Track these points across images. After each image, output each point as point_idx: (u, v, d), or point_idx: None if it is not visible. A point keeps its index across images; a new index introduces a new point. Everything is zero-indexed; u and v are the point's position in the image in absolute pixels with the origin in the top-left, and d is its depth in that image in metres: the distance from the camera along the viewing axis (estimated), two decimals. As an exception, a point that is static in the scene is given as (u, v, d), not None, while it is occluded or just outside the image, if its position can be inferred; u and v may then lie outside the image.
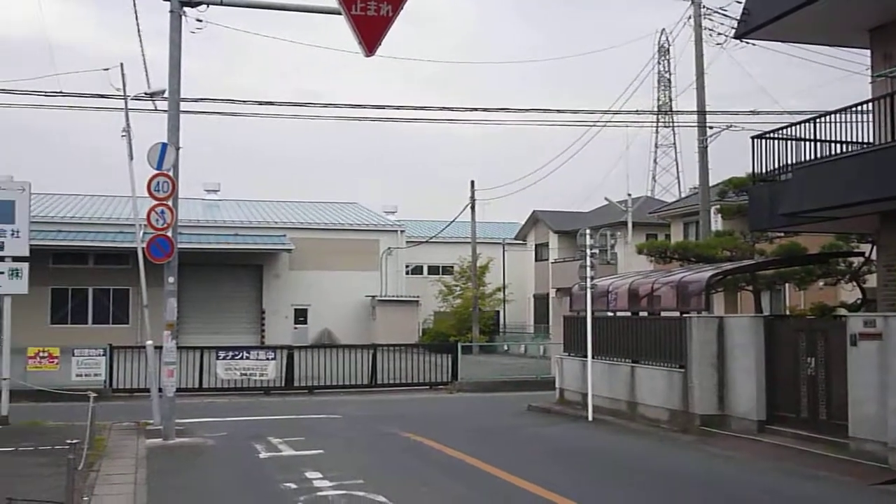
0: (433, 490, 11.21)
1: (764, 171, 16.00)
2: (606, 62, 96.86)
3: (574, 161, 69.04)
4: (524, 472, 11.99)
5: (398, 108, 23.77)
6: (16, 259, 16.98)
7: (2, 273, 16.85)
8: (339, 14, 15.22)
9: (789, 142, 15.60)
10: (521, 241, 51.79)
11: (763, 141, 16.05)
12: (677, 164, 63.13)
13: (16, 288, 17.07)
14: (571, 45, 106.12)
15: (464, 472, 12.38)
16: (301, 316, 48.77)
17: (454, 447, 14.39)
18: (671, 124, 59.87)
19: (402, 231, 52.01)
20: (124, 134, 19.01)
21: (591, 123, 29.40)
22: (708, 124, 25.66)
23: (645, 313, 19.45)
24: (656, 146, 64.17)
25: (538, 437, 16.60)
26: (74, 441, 9.46)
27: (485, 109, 26.36)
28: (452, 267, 52.29)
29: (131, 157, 18.91)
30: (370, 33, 15.22)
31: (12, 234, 16.83)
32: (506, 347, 43.10)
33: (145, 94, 19.31)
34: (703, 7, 25.64)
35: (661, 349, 17.46)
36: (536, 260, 49.45)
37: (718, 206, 25.70)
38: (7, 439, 14.64)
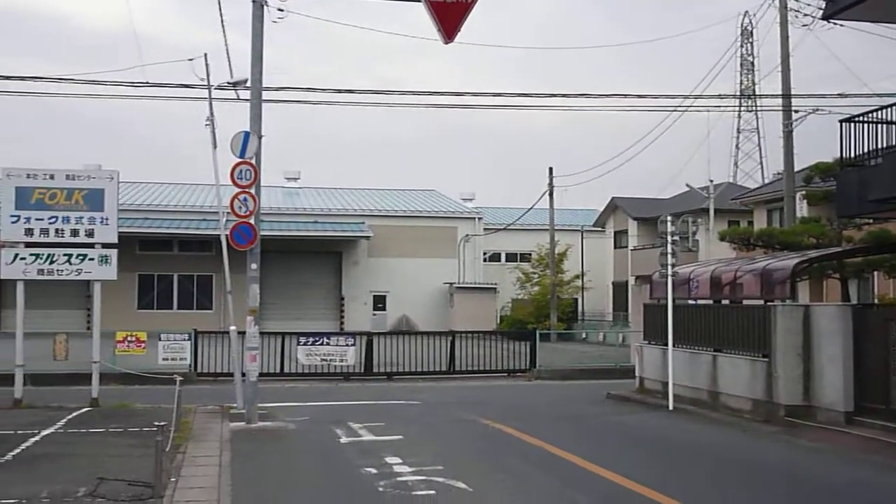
0: (512, 477, 11.20)
1: (853, 155, 15.54)
2: (687, 47, 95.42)
3: (654, 147, 68.20)
4: (604, 460, 11.89)
5: (476, 94, 23.62)
6: (105, 246, 17.49)
7: (92, 259, 17.37)
8: (419, 1, 15.22)
9: (880, 125, 15.13)
10: (599, 228, 51.34)
11: (852, 124, 15.59)
12: (760, 149, 61.90)
13: (105, 274, 17.58)
14: (651, 29, 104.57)
15: (543, 460, 12.34)
16: (380, 302, 49.15)
17: (533, 434, 14.36)
18: (754, 108, 58.65)
19: (479, 218, 52.00)
20: (208, 123, 19.30)
21: (673, 108, 28.97)
22: (793, 108, 25.04)
23: (727, 301, 19.12)
24: (738, 131, 62.96)
25: (618, 425, 16.47)
26: (162, 423, 9.71)
27: (564, 95, 26.15)
28: (530, 254, 52.07)
29: (215, 146, 19.22)
30: (449, 20, 15.16)
31: (101, 222, 17.32)
32: (584, 335, 42.79)
33: (228, 83, 19.56)
34: (789, -12, 24.97)
35: (745, 338, 17.14)
36: (615, 247, 48.98)
37: (804, 192, 25.08)
38: (97, 421, 15.09)
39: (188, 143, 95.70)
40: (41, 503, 9.07)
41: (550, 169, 45.67)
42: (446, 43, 15.37)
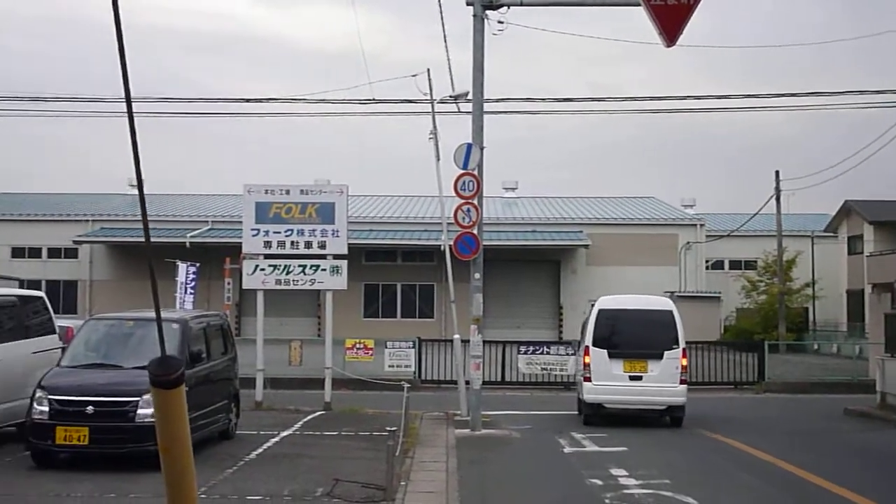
0: (745, 494, 10.77)
1: None
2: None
3: (892, 146, 63.50)
4: (845, 480, 11.20)
5: (699, 97, 23.03)
6: (336, 257, 18.27)
7: (324, 270, 18.19)
8: (639, 5, 14.99)
9: None
10: (831, 234, 48.64)
11: None
12: None
13: (336, 283, 18.37)
14: (881, 21, 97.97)
15: (776, 477, 11.80)
16: (598, 311, 48.60)
17: (764, 450, 13.74)
18: None
19: (701, 225, 50.43)
20: (431, 136, 19.78)
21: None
22: None
23: (982, 312, 17.61)
24: None
25: (859, 443, 15.50)
26: (392, 429, 10.02)
27: (792, 94, 24.92)
28: (756, 261, 50.00)
29: (438, 158, 19.67)
30: (671, 23, 14.83)
31: (333, 234, 18.11)
32: (816, 347, 40.60)
33: (450, 97, 19.97)
34: None
35: None
36: (849, 253, 46.21)
37: None
38: (331, 424, 15.78)
39: (411, 157, 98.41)
40: (283, 501, 9.59)
41: (777, 172, 43.77)
42: (668, 46, 15.04)
